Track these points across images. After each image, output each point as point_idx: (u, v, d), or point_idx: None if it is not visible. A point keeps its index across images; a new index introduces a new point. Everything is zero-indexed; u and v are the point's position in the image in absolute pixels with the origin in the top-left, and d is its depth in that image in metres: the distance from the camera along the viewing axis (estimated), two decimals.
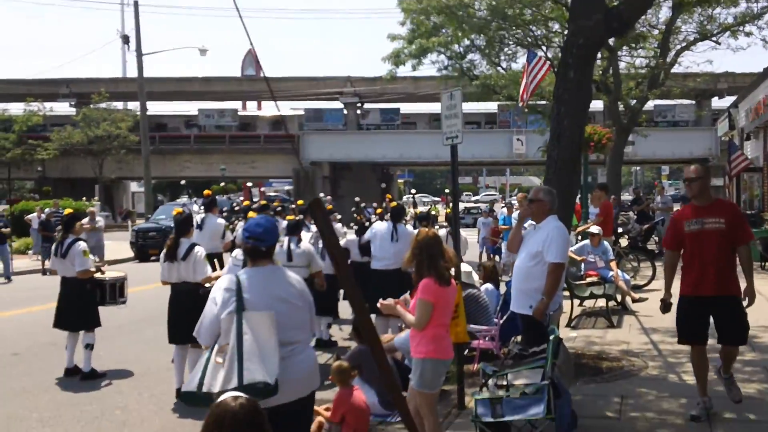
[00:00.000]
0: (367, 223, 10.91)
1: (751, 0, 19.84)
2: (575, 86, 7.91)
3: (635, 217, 20.30)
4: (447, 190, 23.22)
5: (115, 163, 47.11)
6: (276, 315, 3.77)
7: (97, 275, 8.88)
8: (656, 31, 21.79)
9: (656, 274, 14.01)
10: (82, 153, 46.56)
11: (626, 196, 59.91)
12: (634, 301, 11.31)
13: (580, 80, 7.90)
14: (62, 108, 52.75)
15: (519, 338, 7.06)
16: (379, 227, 10.13)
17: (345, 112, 50.54)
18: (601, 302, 11.02)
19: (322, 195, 35.29)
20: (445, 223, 13.27)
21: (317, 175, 46.33)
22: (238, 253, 7.35)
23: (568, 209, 8.41)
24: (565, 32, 10.40)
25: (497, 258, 18.23)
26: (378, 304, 5.33)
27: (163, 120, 53.43)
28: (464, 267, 8.97)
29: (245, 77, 56.25)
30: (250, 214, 8.52)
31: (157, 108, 54.40)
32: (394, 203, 10.68)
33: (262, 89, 52.90)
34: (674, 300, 6.15)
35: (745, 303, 5.94)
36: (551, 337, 5.14)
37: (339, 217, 15.44)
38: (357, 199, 15.38)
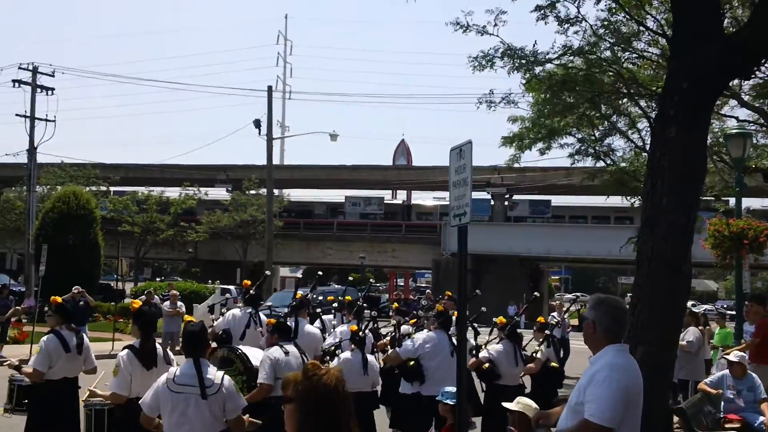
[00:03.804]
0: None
1: None
2: (679, 149, 5.42)
3: None
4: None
5: (260, 247, 47.66)
6: None
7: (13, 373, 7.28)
8: None
9: None
10: (229, 236, 47.55)
11: None
12: None
13: (685, 141, 5.40)
14: (218, 193, 54.79)
15: None
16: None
17: (492, 202, 48.37)
18: None
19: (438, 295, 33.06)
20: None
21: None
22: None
23: (672, 329, 5.77)
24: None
25: None
26: None
27: (309, 206, 53.98)
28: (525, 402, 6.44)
29: (395, 166, 55.97)
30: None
31: (305, 193, 55.24)
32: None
33: (410, 178, 52.24)
34: None
35: None
36: None
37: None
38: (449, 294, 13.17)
